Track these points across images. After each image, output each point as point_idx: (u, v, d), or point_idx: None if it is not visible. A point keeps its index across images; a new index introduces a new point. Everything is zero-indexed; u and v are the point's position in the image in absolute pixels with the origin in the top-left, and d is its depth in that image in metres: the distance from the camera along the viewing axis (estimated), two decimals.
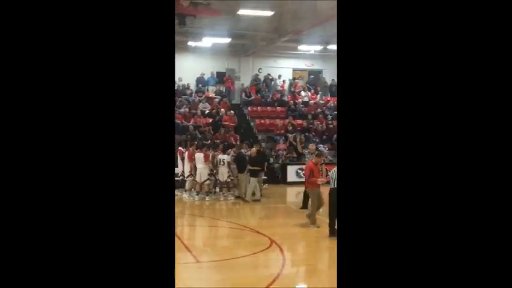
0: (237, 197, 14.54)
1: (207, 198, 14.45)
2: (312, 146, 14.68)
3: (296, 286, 7.16)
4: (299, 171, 17.48)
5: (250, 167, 14.28)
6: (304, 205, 12.81)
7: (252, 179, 14.17)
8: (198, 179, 14.53)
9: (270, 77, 23.63)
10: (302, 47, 21.29)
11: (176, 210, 12.93)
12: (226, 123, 20.36)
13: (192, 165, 14.68)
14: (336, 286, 7.13)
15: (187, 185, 14.99)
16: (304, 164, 14.12)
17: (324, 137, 20.88)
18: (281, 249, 8.87)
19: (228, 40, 19.70)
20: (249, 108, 22.34)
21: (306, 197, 12.80)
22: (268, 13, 16.06)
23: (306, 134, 20.60)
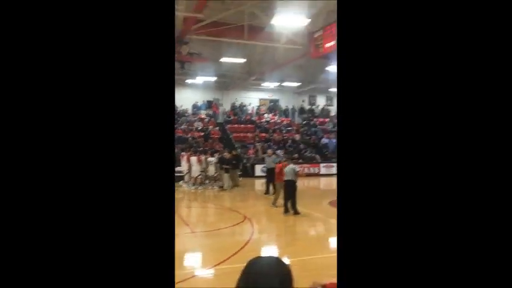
0: (220, 187, 14.49)
1: (199, 188, 14.40)
2: (270, 151, 14.82)
3: (262, 248, 7.15)
4: (263, 168, 17.48)
5: (224, 166, 14.30)
6: (267, 191, 12.83)
7: (225, 174, 14.20)
8: (193, 174, 14.53)
9: (243, 104, 23.68)
10: (265, 84, 21.34)
11: (179, 196, 12.88)
12: (213, 135, 20.43)
13: (189, 165, 14.69)
14: (290, 249, 7.08)
15: (185, 179, 14.94)
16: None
17: (280, 145, 21.04)
18: (251, 223, 8.88)
19: (214, 78, 19.67)
20: (229, 125, 22.32)
21: (268, 186, 12.86)
22: (242, 60, 16.17)
23: (268, 143, 20.76)
